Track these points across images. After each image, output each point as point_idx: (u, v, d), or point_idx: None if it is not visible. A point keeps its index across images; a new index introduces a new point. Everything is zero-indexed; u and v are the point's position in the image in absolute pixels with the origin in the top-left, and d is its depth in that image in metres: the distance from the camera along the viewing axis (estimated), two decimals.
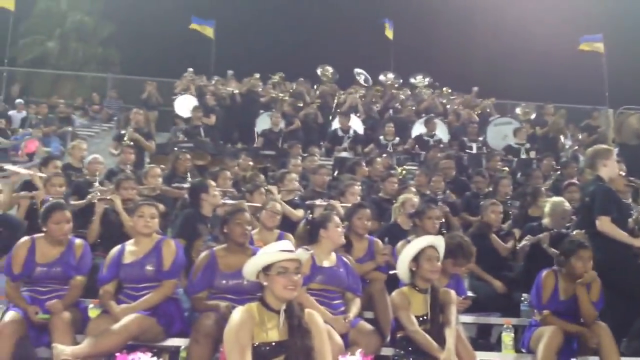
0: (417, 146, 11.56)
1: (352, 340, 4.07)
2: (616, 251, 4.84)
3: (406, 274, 4.22)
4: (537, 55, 20.65)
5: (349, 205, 5.68)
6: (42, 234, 4.45)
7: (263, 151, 10.69)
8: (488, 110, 14.23)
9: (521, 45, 20.44)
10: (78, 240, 4.56)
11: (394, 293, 4.22)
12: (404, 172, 9.20)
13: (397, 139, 11.82)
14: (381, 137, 11.85)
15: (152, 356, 3.47)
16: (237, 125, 12.93)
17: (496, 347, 4.95)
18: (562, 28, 18.58)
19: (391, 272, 4.73)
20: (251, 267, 3.28)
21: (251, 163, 9.13)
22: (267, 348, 3.09)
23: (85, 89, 19.54)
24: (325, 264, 4.38)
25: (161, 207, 5.29)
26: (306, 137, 11.83)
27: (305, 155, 9.81)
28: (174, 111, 13.28)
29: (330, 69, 14.82)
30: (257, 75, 13.96)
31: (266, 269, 3.20)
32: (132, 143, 9.17)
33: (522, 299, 5.24)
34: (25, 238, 4.47)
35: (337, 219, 4.55)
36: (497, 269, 5.79)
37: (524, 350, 4.61)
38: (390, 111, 13.94)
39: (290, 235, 5.29)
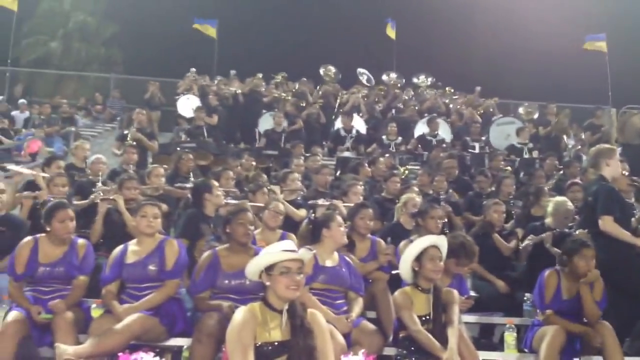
0: (419, 146, 11.55)
1: (354, 340, 4.08)
2: (619, 251, 4.84)
3: (409, 274, 4.21)
4: (539, 54, 20.63)
5: (352, 205, 5.68)
6: (45, 234, 4.46)
7: (265, 151, 10.68)
8: (491, 109, 14.23)
9: (524, 45, 20.42)
10: (81, 240, 4.58)
11: (396, 293, 4.22)
12: (406, 171, 9.18)
13: (400, 138, 11.83)
14: (384, 137, 11.86)
15: (155, 356, 3.47)
16: (239, 125, 12.95)
17: (499, 346, 4.94)
18: (565, 28, 18.57)
19: (394, 271, 4.72)
20: (254, 267, 3.27)
21: (254, 163, 9.14)
22: (270, 348, 3.09)
23: (88, 89, 19.62)
24: (328, 263, 4.38)
25: (164, 207, 5.30)
26: (309, 137, 11.83)
27: (307, 155, 9.82)
28: (176, 111, 13.28)
29: (332, 69, 14.82)
30: (260, 75, 13.97)
31: (269, 268, 3.20)
32: (134, 143, 9.19)
33: (525, 298, 5.23)
34: (28, 238, 4.48)
35: (339, 218, 4.55)
36: (500, 269, 5.79)
37: (526, 350, 4.61)
38: (393, 111, 13.95)
39: (293, 235, 5.30)
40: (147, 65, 18.82)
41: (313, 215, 5.16)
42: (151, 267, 4.24)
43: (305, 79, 14.69)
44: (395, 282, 4.56)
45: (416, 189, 7.24)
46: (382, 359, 4.24)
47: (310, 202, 6.64)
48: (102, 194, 5.93)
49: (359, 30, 20.99)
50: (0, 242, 4.99)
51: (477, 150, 11.59)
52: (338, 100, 13.75)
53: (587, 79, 16.85)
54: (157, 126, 13.28)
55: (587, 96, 15.71)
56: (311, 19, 22.13)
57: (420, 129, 12.25)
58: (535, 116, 13.70)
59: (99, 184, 6.56)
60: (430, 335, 3.93)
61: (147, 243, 4.38)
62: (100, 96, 16.95)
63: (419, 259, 4.14)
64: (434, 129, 11.80)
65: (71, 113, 14.19)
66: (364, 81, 15.08)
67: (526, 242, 5.73)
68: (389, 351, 4.26)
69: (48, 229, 4.43)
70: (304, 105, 13.34)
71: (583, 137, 12.69)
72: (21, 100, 14.42)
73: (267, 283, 3.20)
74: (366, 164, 8.63)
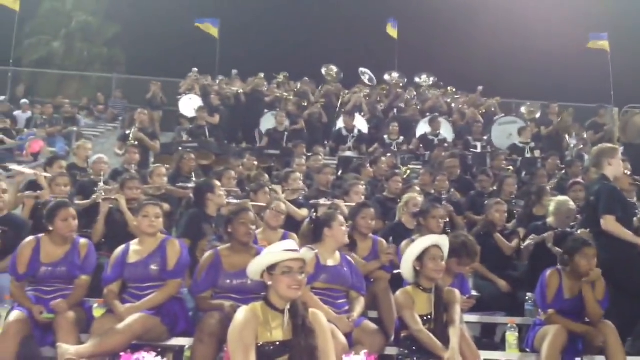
0: (421, 145, 11.55)
1: (356, 339, 4.07)
2: (621, 250, 4.83)
3: (410, 273, 4.22)
4: (541, 54, 20.61)
5: (353, 204, 5.68)
6: (47, 234, 4.46)
7: (267, 151, 10.69)
8: (493, 109, 14.22)
9: (526, 45, 20.41)
10: (83, 240, 4.58)
11: (398, 292, 4.22)
12: (408, 171, 9.16)
13: (402, 138, 11.84)
14: (385, 137, 11.86)
15: (156, 356, 3.46)
16: (241, 125, 12.95)
17: (500, 346, 4.93)
18: (567, 27, 18.55)
19: (395, 271, 4.72)
20: (255, 267, 3.28)
21: (255, 162, 9.14)
22: (271, 347, 3.09)
23: (90, 89, 19.64)
24: (330, 263, 4.37)
25: (166, 206, 5.30)
26: (310, 136, 11.85)
27: (309, 154, 9.82)
28: (178, 111, 13.30)
29: (334, 69, 14.82)
30: (262, 75, 14.00)
31: (270, 268, 3.20)
32: (136, 143, 9.20)
33: (527, 298, 5.22)
34: (30, 238, 4.49)
35: (341, 218, 4.55)
36: (502, 268, 5.79)
37: (528, 350, 4.60)
38: (395, 110, 13.96)
39: (295, 235, 5.29)
40: (149, 65, 18.84)
41: (315, 214, 5.15)
42: (153, 267, 4.25)
43: (307, 78, 14.70)
44: (397, 282, 4.57)
45: (418, 188, 7.23)
46: (384, 359, 4.24)
47: (312, 201, 6.63)
48: (104, 194, 5.94)
49: (360, 29, 20.99)
50: (2, 242, 4.99)
51: (479, 150, 11.60)
52: (340, 100, 13.75)
53: (589, 78, 16.84)
54: (159, 126, 13.31)
55: (589, 96, 15.67)
56: (313, 18, 22.13)
57: (422, 128, 12.24)
58: (537, 115, 13.68)
59: (101, 184, 6.55)
60: (431, 335, 3.93)
61: (149, 243, 4.38)
62: (102, 96, 17.00)
63: (420, 258, 4.15)
64: (435, 129, 11.80)
65: (73, 113, 14.19)
66: (366, 81, 15.09)
67: (528, 241, 5.72)
68: (391, 351, 4.26)
69: (50, 228, 4.43)
70: (305, 104, 13.35)
71: (585, 136, 12.67)
72: (23, 100, 14.47)
73: (269, 283, 3.20)
74: (368, 164, 8.63)
